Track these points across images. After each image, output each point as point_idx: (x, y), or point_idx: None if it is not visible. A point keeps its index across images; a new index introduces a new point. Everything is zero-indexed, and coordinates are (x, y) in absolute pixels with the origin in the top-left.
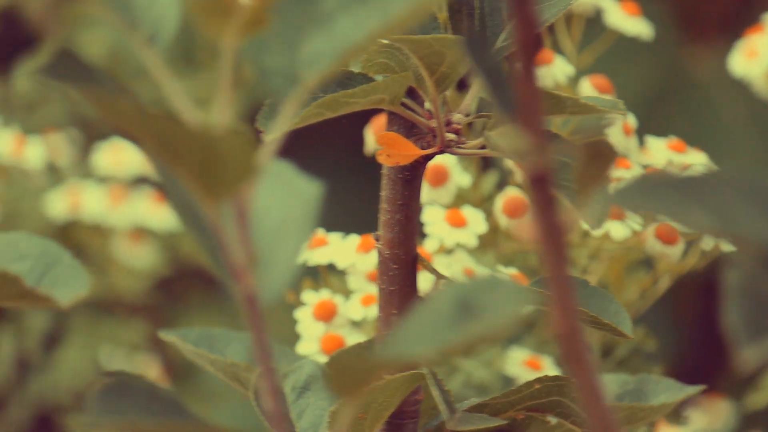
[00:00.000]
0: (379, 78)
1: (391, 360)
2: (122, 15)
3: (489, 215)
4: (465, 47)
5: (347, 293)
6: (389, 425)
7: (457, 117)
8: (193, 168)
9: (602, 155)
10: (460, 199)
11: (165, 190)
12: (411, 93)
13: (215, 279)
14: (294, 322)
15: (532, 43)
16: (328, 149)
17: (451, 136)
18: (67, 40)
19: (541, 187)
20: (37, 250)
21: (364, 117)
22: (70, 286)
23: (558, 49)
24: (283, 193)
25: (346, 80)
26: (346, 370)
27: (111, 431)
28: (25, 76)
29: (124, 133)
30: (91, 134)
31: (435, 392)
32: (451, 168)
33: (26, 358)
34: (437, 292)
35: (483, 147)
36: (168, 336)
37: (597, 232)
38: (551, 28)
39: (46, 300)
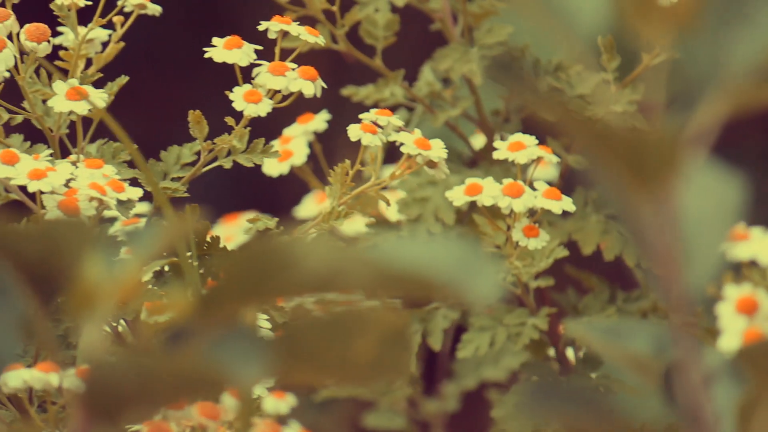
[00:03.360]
0: None
1: None
2: (543, 6)
3: None
4: None
5: None
6: None
7: None
8: (621, 161)
9: None
10: None
11: (593, 179)
12: None
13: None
14: (714, 317)
15: None
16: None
17: None
18: (469, 34)
19: None
20: (450, 249)
21: None
22: (483, 285)
23: None
24: (707, 187)
25: None
26: (761, 357)
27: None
28: (430, 73)
29: (554, 126)
30: (493, 126)
31: None
32: None
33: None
34: None
35: None
36: (575, 327)
37: None
38: None
39: (459, 299)
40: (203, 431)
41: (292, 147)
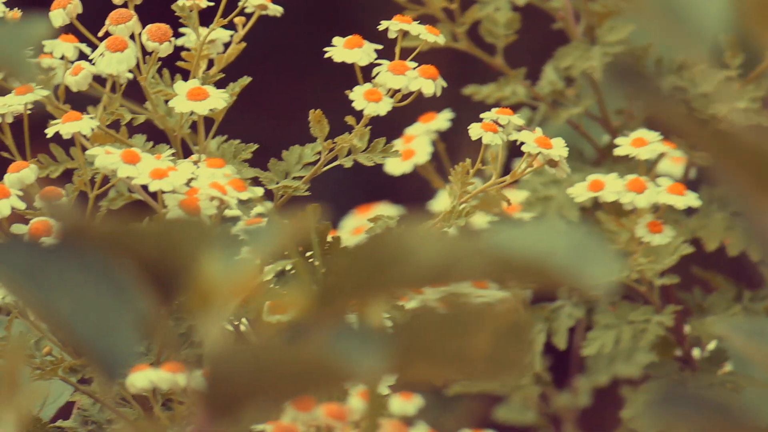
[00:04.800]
0: None
1: None
2: (665, 9)
3: None
4: None
5: None
6: None
7: None
8: (744, 165)
9: None
10: None
11: (717, 179)
12: None
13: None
14: None
15: None
16: None
17: None
18: (591, 32)
19: None
20: (566, 236)
21: None
22: (600, 271)
23: None
24: None
25: None
26: None
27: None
28: (553, 72)
29: (674, 130)
30: (617, 124)
31: None
32: None
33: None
34: None
35: None
36: (719, 327)
37: None
38: None
39: (578, 285)
40: None
41: (415, 146)
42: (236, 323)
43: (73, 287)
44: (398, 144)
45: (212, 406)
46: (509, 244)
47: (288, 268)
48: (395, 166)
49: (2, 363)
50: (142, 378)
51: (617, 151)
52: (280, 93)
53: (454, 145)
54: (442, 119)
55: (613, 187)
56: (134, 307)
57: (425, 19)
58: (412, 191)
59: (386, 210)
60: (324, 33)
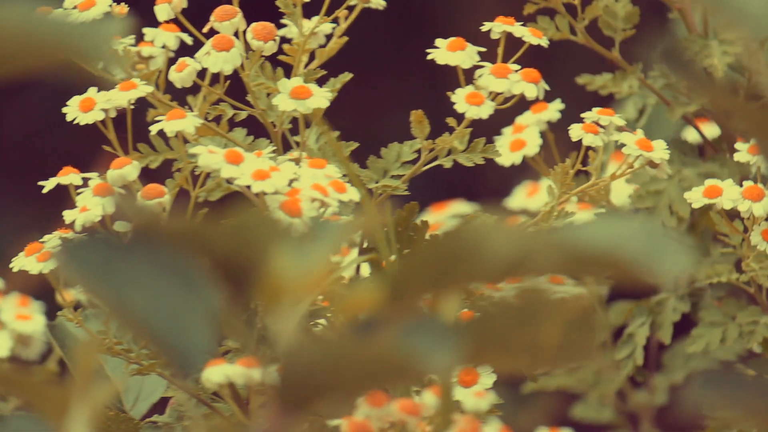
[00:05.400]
0: None
1: None
2: (735, 19)
3: None
4: None
5: None
6: None
7: None
8: None
9: None
10: None
11: None
12: None
13: None
14: None
15: None
16: None
17: None
18: (706, 25)
19: None
20: (638, 229)
21: None
22: (671, 263)
23: None
24: None
25: None
26: None
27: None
28: (657, 60)
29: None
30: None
31: None
32: None
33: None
34: None
35: None
36: None
37: None
38: None
39: (650, 277)
40: (403, 427)
41: (525, 136)
42: (310, 319)
43: (147, 284)
44: (508, 133)
45: (285, 401)
46: (582, 237)
47: (368, 263)
48: (505, 157)
49: (77, 358)
50: (217, 373)
51: (737, 156)
52: (368, 87)
53: (564, 136)
54: (553, 110)
55: (730, 194)
56: (208, 304)
57: (545, 11)
58: (489, 188)
59: (462, 207)
60: (409, 27)
